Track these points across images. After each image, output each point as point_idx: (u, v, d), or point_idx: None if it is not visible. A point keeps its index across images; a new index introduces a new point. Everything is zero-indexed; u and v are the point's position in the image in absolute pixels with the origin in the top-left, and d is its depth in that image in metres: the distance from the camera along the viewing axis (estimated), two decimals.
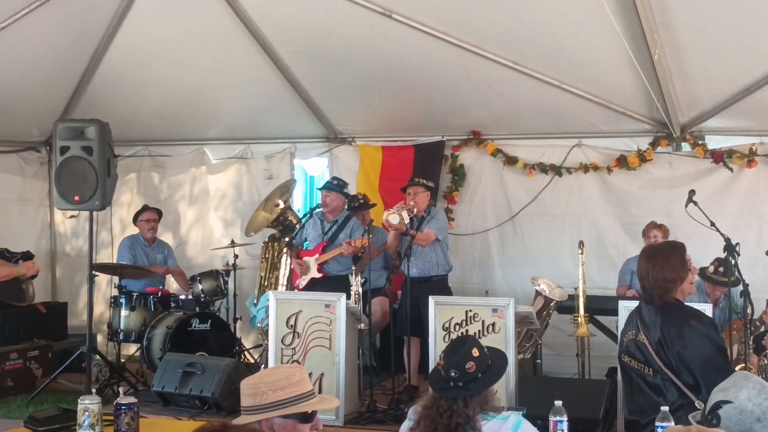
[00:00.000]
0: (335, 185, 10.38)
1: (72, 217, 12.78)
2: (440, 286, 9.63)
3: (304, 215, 10.66)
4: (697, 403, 5.33)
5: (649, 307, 5.80)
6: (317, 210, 10.43)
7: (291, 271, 10.45)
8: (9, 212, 12.22)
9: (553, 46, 9.15)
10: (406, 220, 9.30)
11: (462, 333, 8.15)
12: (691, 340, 5.59)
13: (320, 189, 10.50)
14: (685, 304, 5.92)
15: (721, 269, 8.93)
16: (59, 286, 12.95)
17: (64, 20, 9.75)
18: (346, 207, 10.39)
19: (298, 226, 10.60)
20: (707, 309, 7.20)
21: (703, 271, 9.08)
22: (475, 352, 4.66)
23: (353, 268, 9.64)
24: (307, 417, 3.86)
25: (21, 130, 12.01)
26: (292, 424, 3.82)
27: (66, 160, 9.68)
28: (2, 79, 10.25)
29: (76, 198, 9.58)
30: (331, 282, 9.92)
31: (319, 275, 10.11)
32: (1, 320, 10.89)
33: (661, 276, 5.73)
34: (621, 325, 7.80)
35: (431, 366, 7.88)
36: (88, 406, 5.21)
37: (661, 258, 5.83)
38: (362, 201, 10.61)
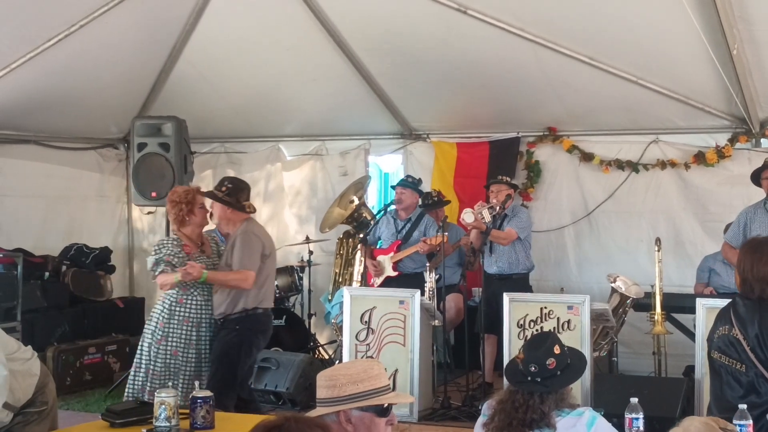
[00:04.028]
0: (410, 182, 10.35)
1: (149, 213, 12.89)
2: (520, 284, 9.52)
3: (379, 212, 10.65)
4: None
5: (746, 302, 5.55)
6: (391, 208, 10.42)
7: (365, 267, 10.45)
8: (87, 208, 12.36)
9: (630, 41, 9.06)
10: (487, 219, 9.21)
11: (536, 330, 8.09)
12: None
13: (394, 186, 10.47)
14: None
15: None
16: (137, 282, 13.05)
17: (142, 18, 9.85)
18: (420, 204, 10.39)
19: (372, 223, 10.59)
20: None
21: None
22: (557, 350, 4.62)
23: (428, 264, 9.64)
24: (383, 411, 3.84)
25: (99, 127, 12.13)
26: (370, 418, 3.81)
27: (143, 156, 9.82)
28: (81, 76, 10.37)
29: (154, 194, 9.74)
30: (405, 279, 9.90)
31: (394, 273, 10.08)
32: (79, 315, 11.07)
33: (765, 270, 5.53)
34: (699, 324, 7.77)
35: (506, 363, 7.85)
36: (165, 399, 5.24)
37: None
38: (436, 198, 10.60)
